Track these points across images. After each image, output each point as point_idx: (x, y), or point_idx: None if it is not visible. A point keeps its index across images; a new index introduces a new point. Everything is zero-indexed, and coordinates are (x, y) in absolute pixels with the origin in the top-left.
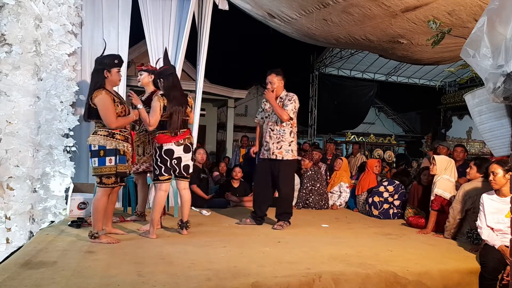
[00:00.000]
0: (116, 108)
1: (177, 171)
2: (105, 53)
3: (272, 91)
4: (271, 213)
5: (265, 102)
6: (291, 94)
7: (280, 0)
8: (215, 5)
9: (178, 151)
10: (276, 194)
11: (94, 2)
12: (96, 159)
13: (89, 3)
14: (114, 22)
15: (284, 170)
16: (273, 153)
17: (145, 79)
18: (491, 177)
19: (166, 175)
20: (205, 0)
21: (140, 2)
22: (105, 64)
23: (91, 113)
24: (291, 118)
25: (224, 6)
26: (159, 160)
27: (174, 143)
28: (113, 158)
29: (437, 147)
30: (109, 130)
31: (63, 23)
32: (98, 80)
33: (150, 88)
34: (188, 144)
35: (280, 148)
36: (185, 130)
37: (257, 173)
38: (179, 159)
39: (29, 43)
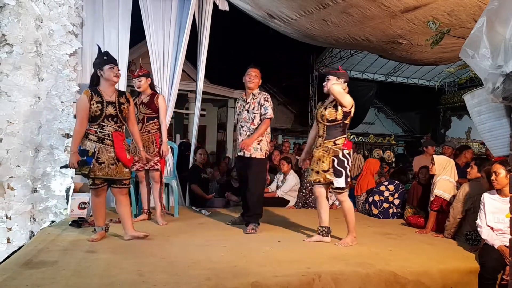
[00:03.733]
0: (90, 108)
1: None
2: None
3: (253, 85)
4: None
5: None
6: (264, 93)
7: (280, 1)
8: (215, 6)
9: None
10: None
11: (94, 3)
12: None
13: (90, 4)
14: (115, 23)
15: (253, 168)
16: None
17: (144, 84)
18: (493, 177)
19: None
20: (205, 0)
21: (140, 3)
22: (96, 64)
23: None
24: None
25: (224, 6)
26: (348, 168)
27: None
28: (84, 158)
29: (443, 147)
30: (86, 131)
31: (64, 23)
32: (92, 81)
33: (148, 91)
34: None
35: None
36: None
37: (238, 173)
38: None
39: (30, 43)
